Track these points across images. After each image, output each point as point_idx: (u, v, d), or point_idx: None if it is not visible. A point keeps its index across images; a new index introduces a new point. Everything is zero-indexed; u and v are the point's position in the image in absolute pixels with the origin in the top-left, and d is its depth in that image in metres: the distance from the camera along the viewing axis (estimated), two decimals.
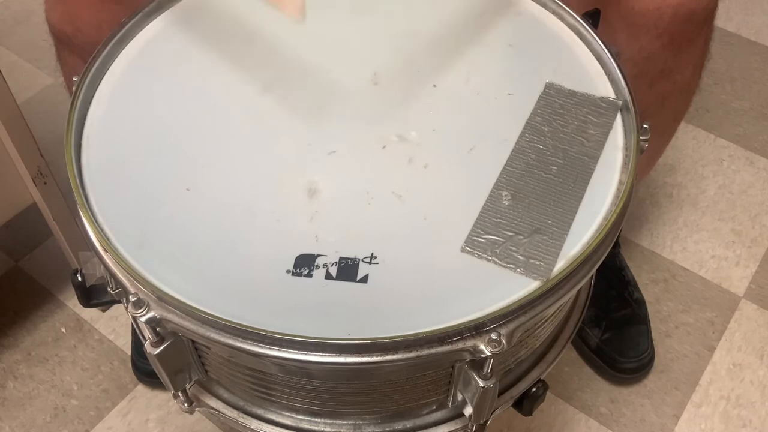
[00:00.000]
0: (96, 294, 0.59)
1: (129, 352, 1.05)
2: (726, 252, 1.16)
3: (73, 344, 1.07)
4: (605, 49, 0.61)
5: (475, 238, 0.51)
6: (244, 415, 0.57)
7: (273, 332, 0.45)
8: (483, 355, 0.46)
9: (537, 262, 0.50)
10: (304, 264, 0.50)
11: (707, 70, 0.89)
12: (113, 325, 1.08)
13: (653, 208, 1.22)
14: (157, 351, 0.49)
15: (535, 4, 0.67)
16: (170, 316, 0.47)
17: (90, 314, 1.09)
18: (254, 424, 0.56)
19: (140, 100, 0.60)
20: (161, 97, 0.61)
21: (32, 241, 1.18)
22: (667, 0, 0.76)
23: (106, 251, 0.50)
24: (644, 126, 0.56)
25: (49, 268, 1.15)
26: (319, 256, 0.50)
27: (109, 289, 0.58)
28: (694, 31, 0.81)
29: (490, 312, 0.46)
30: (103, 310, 1.10)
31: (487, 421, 0.55)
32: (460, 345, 0.46)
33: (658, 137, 0.93)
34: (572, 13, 0.64)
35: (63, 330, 1.08)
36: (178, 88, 0.61)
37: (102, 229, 0.51)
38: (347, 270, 0.50)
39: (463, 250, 0.51)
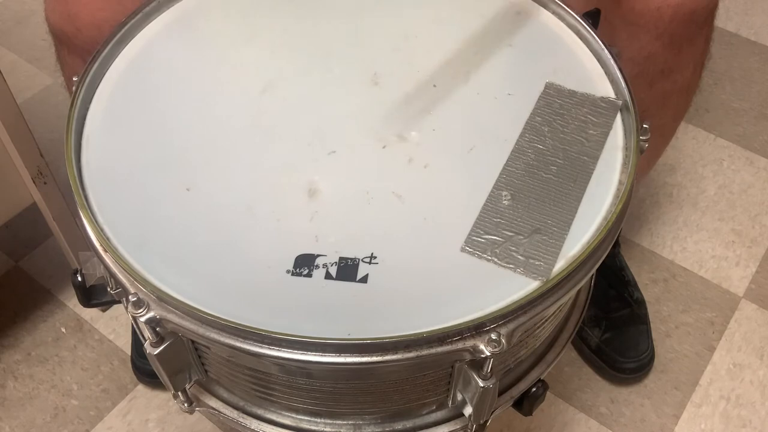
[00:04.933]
0: (96, 294, 0.59)
1: (129, 352, 1.05)
2: (726, 252, 1.16)
3: (73, 344, 1.07)
4: (605, 49, 0.61)
5: (475, 238, 0.51)
6: (244, 415, 0.57)
7: (273, 332, 0.45)
8: (483, 355, 0.46)
9: (537, 262, 0.50)
10: (304, 264, 0.50)
11: (707, 70, 0.89)
12: (113, 325, 1.08)
13: (653, 208, 1.22)
14: (157, 351, 0.49)
15: (535, 4, 0.67)
16: (170, 316, 0.47)
17: (90, 314, 1.09)
18: (254, 424, 0.56)
19: (140, 100, 0.60)
20: (161, 97, 0.61)
21: (32, 241, 1.18)
22: (667, 0, 0.76)
23: (106, 251, 0.50)
24: (644, 126, 0.56)
25: (49, 268, 1.15)
26: (319, 256, 0.50)
27: (109, 289, 0.58)
28: (695, 31, 0.81)
29: (490, 312, 0.46)
30: (103, 310, 1.10)
31: (487, 421, 0.55)
32: (459, 345, 0.46)
33: (658, 137, 0.93)
34: (572, 13, 0.64)
35: (63, 330, 1.08)
36: (177, 88, 0.61)
37: (102, 229, 0.51)
38: (347, 270, 0.50)
39: (462, 250, 0.51)
